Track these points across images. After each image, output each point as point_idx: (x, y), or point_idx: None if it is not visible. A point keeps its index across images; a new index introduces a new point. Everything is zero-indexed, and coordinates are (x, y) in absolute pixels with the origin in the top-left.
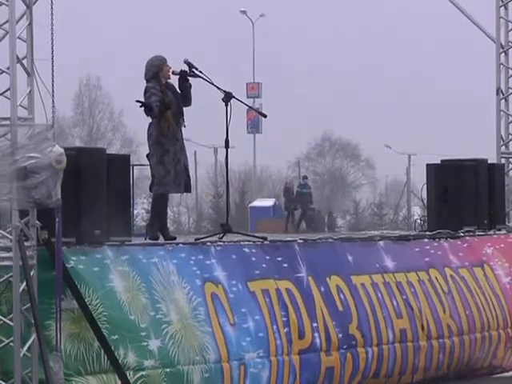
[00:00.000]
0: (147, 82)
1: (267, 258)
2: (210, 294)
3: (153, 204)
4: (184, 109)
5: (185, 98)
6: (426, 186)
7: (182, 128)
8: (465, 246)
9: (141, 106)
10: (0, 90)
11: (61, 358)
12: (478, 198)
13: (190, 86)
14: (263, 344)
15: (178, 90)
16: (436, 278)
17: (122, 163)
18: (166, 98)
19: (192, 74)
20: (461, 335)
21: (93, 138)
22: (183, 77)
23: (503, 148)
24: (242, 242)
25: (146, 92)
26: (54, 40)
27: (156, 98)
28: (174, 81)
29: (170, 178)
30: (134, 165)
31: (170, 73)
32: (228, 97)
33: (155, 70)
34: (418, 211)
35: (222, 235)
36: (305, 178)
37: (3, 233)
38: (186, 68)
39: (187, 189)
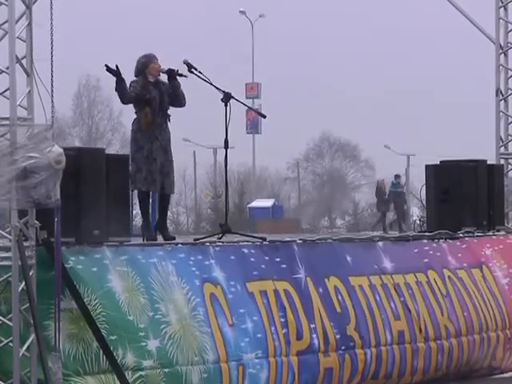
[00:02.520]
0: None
1: (266, 258)
2: (209, 295)
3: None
4: (176, 109)
5: (174, 97)
6: (425, 186)
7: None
8: (464, 246)
9: (110, 72)
10: None
11: (60, 358)
12: (477, 198)
13: (179, 85)
14: (261, 345)
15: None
16: (434, 279)
17: (121, 163)
18: (148, 94)
19: (180, 73)
20: (459, 337)
21: (92, 138)
22: (170, 75)
23: (502, 149)
24: (240, 243)
25: (129, 87)
26: (54, 40)
27: (133, 90)
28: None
29: (141, 176)
30: None
31: (159, 71)
32: (227, 97)
33: (141, 67)
34: (416, 212)
35: (221, 235)
36: (397, 176)
37: (2, 233)
38: (185, 67)
39: (165, 189)
